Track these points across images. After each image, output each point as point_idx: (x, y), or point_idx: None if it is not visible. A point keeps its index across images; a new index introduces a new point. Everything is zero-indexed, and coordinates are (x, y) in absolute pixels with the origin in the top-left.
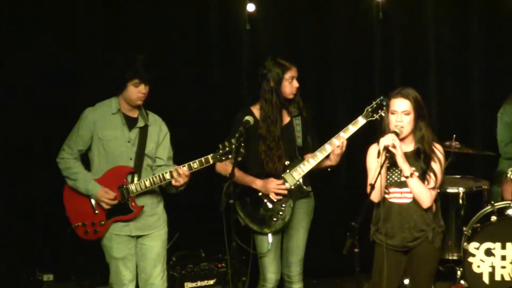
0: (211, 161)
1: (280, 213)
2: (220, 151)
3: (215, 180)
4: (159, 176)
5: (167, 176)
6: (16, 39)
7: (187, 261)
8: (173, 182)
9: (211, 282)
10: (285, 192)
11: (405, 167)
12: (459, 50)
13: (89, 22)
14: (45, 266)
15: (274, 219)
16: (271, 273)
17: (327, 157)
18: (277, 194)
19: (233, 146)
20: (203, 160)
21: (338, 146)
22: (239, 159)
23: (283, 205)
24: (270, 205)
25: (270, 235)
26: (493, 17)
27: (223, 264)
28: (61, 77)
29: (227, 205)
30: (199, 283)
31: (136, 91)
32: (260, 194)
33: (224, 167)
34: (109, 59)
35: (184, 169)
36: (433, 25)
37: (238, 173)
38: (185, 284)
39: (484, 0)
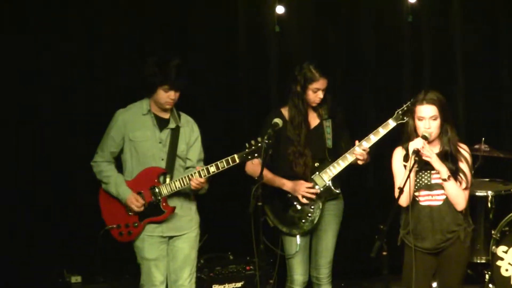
0: (237, 160)
1: (309, 214)
2: (247, 149)
3: (244, 182)
4: (187, 177)
5: (197, 176)
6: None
7: (215, 264)
8: (192, 187)
9: (239, 284)
10: (313, 196)
11: (443, 170)
12: (488, 51)
13: (116, 22)
14: (73, 267)
15: (303, 220)
16: (298, 275)
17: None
18: (305, 197)
19: (260, 145)
20: (229, 159)
21: (360, 154)
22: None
23: (312, 207)
24: (299, 207)
25: (298, 237)
26: None
27: (251, 267)
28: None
29: (255, 207)
30: (227, 286)
31: (165, 96)
32: (289, 195)
33: (254, 169)
34: (142, 60)
35: (195, 178)
36: (462, 27)
37: (268, 175)
38: (213, 286)
39: None
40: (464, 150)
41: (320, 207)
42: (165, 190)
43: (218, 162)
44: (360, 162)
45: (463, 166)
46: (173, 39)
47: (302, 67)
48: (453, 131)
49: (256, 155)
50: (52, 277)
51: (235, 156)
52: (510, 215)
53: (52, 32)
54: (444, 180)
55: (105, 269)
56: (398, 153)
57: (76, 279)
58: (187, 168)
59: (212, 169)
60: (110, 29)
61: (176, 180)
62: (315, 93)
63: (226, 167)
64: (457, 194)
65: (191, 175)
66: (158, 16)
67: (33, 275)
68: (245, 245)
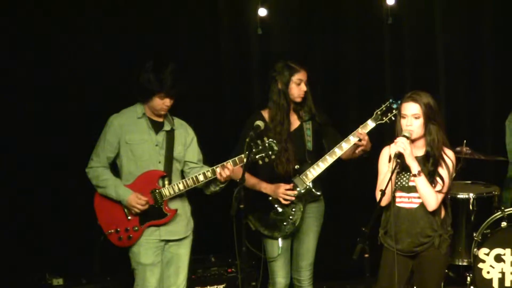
0: (245, 160)
1: (290, 217)
2: (254, 149)
3: (226, 184)
4: (192, 178)
5: (201, 177)
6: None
7: (197, 266)
8: (218, 177)
9: (221, 287)
10: (293, 198)
11: (414, 165)
12: (470, 54)
13: (98, 22)
14: (55, 270)
15: (284, 223)
16: (280, 278)
17: (356, 148)
18: (286, 199)
19: (268, 144)
20: (236, 159)
21: (361, 140)
22: (260, 159)
23: (293, 210)
24: (280, 210)
25: (280, 240)
26: (505, 20)
27: (233, 269)
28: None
29: (237, 209)
30: None
31: (161, 103)
32: (270, 198)
33: (235, 171)
34: (137, 65)
35: (230, 164)
36: (444, 29)
37: (248, 178)
38: None
39: (496, 3)
40: (448, 157)
41: (301, 209)
42: (167, 193)
43: (225, 163)
44: (362, 145)
45: (442, 171)
46: (154, 41)
47: (278, 66)
48: (438, 134)
49: (263, 154)
50: (34, 279)
51: (242, 156)
52: (491, 217)
53: (50, 31)
54: (414, 176)
55: (86, 271)
56: (385, 152)
57: (57, 281)
58: (192, 169)
59: (219, 170)
60: (104, 29)
61: (179, 182)
62: (299, 85)
63: (233, 167)
64: (427, 193)
65: (195, 177)
66: (141, 17)
67: (15, 278)
68: (227, 248)
